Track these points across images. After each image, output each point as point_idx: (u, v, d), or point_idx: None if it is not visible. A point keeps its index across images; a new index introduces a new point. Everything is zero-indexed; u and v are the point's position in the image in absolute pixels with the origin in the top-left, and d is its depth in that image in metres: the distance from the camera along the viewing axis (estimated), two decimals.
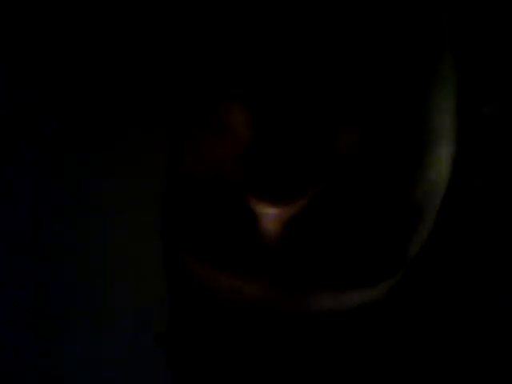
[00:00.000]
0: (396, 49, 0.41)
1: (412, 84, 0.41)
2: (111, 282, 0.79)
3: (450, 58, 0.43)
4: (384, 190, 0.41)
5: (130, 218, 0.80)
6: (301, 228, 0.41)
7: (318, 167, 0.40)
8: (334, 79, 0.40)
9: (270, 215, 0.40)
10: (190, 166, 0.43)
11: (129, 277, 0.78)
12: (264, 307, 0.42)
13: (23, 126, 0.81)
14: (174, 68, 0.47)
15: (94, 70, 0.80)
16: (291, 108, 0.40)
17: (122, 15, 0.78)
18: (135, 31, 0.79)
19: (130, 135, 0.81)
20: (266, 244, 0.41)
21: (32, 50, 0.80)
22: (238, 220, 0.42)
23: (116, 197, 0.80)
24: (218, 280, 0.42)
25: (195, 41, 0.44)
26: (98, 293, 0.79)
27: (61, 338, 0.80)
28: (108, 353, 0.79)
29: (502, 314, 0.46)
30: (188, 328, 0.45)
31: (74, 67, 0.80)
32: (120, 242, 0.79)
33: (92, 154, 0.81)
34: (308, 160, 0.40)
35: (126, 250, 0.79)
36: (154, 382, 0.77)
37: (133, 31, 0.79)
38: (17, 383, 0.80)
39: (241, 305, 0.42)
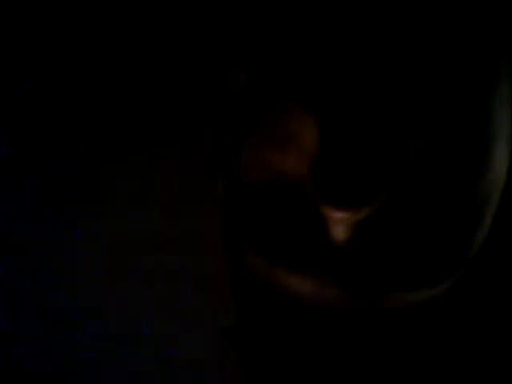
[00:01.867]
0: (457, 53, 0.42)
1: (473, 85, 0.42)
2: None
3: (507, 56, 0.45)
4: (448, 188, 0.43)
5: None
6: (369, 230, 0.42)
7: (387, 173, 0.41)
8: (401, 86, 0.42)
9: (339, 220, 0.41)
10: (252, 172, 0.44)
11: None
12: (330, 306, 0.43)
13: (23, 125, 0.80)
14: (238, 70, 0.47)
15: (94, 69, 0.80)
16: (359, 115, 0.41)
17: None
18: (148, 31, 0.79)
19: (131, 135, 0.81)
20: (335, 246, 0.42)
21: (32, 49, 0.80)
22: (305, 221, 0.43)
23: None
24: (282, 278, 0.43)
25: (264, 47, 0.45)
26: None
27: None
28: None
29: None
30: (254, 325, 0.46)
31: (76, 67, 0.80)
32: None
33: (93, 154, 0.81)
34: (376, 166, 0.41)
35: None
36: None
37: (145, 31, 0.79)
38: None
39: (304, 303, 0.43)
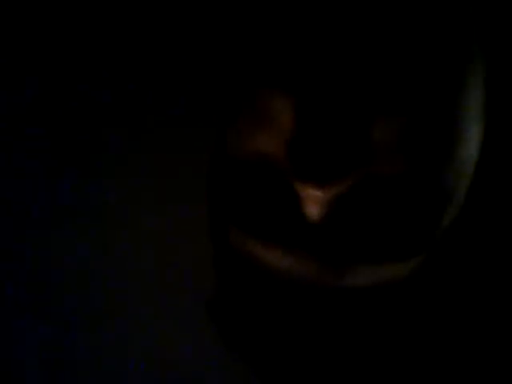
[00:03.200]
0: (427, 38, 0.44)
1: (441, 69, 0.43)
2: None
3: (479, 46, 0.46)
4: (418, 168, 0.44)
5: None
6: (341, 207, 0.43)
7: (358, 152, 0.42)
8: (370, 70, 0.43)
9: (314, 197, 0.42)
10: (234, 148, 0.46)
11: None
12: (304, 279, 0.44)
13: (23, 125, 0.81)
14: (217, 56, 0.49)
15: (94, 69, 0.81)
16: (333, 96, 0.43)
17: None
18: (142, 26, 0.80)
19: (131, 135, 0.82)
20: (308, 223, 0.43)
21: (32, 50, 0.80)
22: (282, 198, 0.44)
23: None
24: (261, 252, 0.45)
25: (241, 30, 0.46)
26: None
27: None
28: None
29: None
30: (234, 298, 0.47)
31: (75, 67, 0.80)
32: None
33: (92, 154, 0.81)
34: (349, 145, 0.43)
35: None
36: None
37: (140, 26, 0.80)
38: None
39: (281, 277, 0.45)
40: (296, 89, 0.44)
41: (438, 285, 0.47)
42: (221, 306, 0.49)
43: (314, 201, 0.43)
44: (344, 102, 0.43)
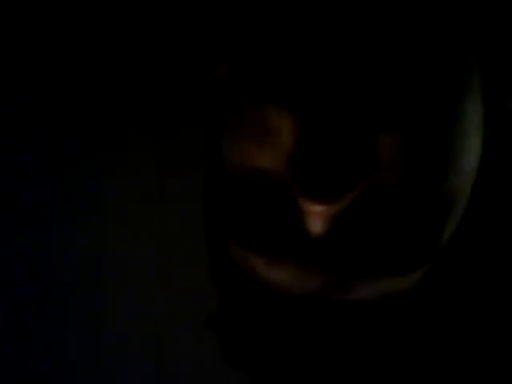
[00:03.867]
0: (427, 52, 0.44)
1: (443, 83, 0.44)
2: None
3: (475, 53, 0.46)
4: (419, 181, 0.44)
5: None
6: (344, 221, 0.43)
7: (361, 166, 0.42)
8: (372, 83, 0.43)
9: (317, 212, 0.41)
10: (232, 164, 0.45)
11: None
12: (307, 293, 0.44)
13: (23, 125, 0.81)
14: (214, 67, 0.49)
15: (95, 69, 0.80)
16: (336, 109, 0.43)
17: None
18: (143, 29, 0.80)
19: (131, 135, 0.82)
20: (311, 237, 0.43)
21: (32, 49, 0.80)
22: (283, 212, 0.44)
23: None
24: (262, 267, 0.45)
25: (245, 42, 0.46)
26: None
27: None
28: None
29: None
30: (236, 313, 0.47)
31: (75, 67, 0.80)
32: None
33: (92, 154, 0.81)
34: (352, 159, 0.42)
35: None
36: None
37: (141, 29, 0.80)
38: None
39: (283, 292, 0.45)
40: (297, 102, 0.43)
41: (443, 296, 0.47)
42: (222, 320, 0.49)
43: (317, 216, 0.42)
44: (347, 115, 0.42)
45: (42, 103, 0.81)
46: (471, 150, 0.45)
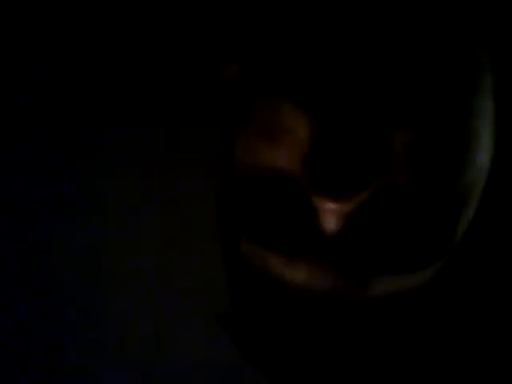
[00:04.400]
0: (440, 46, 0.43)
1: (456, 81, 0.44)
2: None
3: (487, 55, 0.46)
4: (433, 177, 0.44)
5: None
6: (359, 219, 0.43)
7: (375, 164, 0.42)
8: (388, 82, 0.43)
9: (332, 210, 0.42)
10: (247, 162, 0.45)
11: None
12: (322, 291, 0.44)
13: (23, 125, 0.81)
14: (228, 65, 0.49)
15: (96, 70, 0.80)
16: (351, 107, 0.43)
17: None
18: (147, 28, 0.80)
19: (131, 135, 0.81)
20: (326, 235, 0.43)
21: (32, 49, 0.80)
22: (297, 210, 0.44)
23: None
24: (277, 266, 0.45)
25: (257, 40, 0.46)
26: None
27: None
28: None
29: None
30: (248, 310, 0.47)
31: (75, 67, 0.80)
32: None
33: (92, 154, 0.81)
34: (368, 157, 0.43)
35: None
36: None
37: (144, 28, 0.80)
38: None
39: (298, 290, 0.45)
40: (312, 100, 0.43)
41: (457, 291, 0.47)
42: (235, 318, 0.49)
43: (331, 214, 0.43)
44: (362, 113, 0.43)
45: (42, 103, 0.81)
46: (484, 147, 0.46)
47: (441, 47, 0.44)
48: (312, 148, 0.43)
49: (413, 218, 0.44)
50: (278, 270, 0.45)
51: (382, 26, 0.43)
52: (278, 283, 0.45)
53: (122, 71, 0.81)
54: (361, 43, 0.43)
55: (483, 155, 0.46)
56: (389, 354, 0.46)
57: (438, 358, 0.47)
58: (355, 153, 0.42)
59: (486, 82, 0.46)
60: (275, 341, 0.46)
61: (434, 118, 0.43)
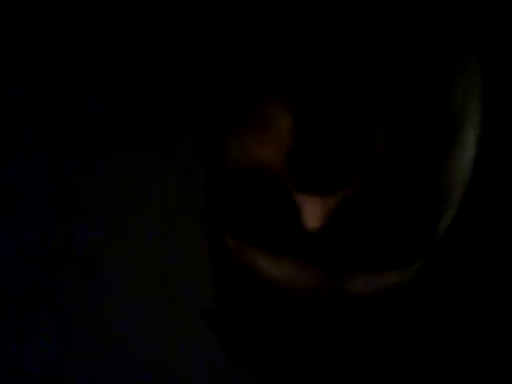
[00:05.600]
0: (425, 47, 0.44)
1: (440, 79, 0.44)
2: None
3: (474, 50, 0.46)
4: (413, 175, 0.44)
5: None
6: (340, 215, 0.43)
7: (357, 160, 0.42)
8: (369, 79, 0.43)
9: (313, 207, 0.42)
10: (232, 157, 0.46)
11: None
12: (305, 288, 0.44)
13: (23, 125, 0.81)
14: (215, 63, 0.49)
15: (95, 70, 0.80)
16: (333, 104, 0.43)
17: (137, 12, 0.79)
18: (143, 27, 0.80)
19: (131, 135, 0.82)
20: (308, 232, 0.43)
21: (32, 48, 0.80)
22: (281, 207, 0.44)
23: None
24: (260, 262, 0.45)
25: (238, 37, 0.46)
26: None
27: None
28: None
29: None
30: (233, 306, 0.47)
31: (76, 68, 0.80)
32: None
33: (92, 155, 0.81)
34: (349, 154, 0.43)
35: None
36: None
37: (140, 27, 0.80)
38: None
39: (281, 287, 0.45)
40: (295, 96, 0.44)
41: (441, 288, 0.47)
42: (220, 315, 0.49)
43: (313, 210, 0.43)
44: (344, 110, 0.43)
45: (42, 102, 0.81)
46: (467, 145, 0.46)
47: (424, 43, 0.44)
48: (294, 143, 0.43)
49: (394, 216, 0.44)
50: (261, 266, 0.45)
51: (365, 25, 0.43)
52: (261, 279, 0.45)
53: (122, 72, 0.81)
54: (344, 41, 0.43)
55: (466, 153, 0.46)
56: (372, 351, 0.46)
57: (421, 355, 0.47)
58: (337, 149, 0.42)
59: (472, 79, 0.46)
60: (259, 337, 0.46)
61: (416, 114, 0.43)
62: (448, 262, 0.47)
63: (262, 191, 0.44)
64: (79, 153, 0.81)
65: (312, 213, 0.43)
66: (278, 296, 0.45)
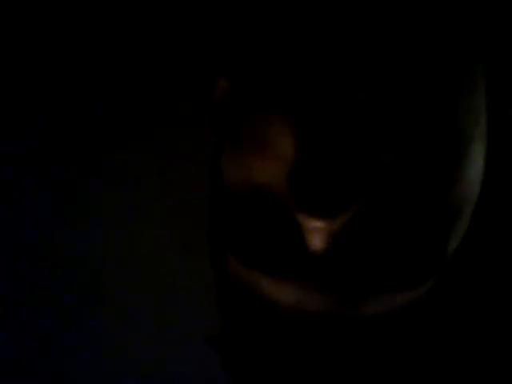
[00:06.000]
0: (430, 60, 0.42)
1: (445, 92, 0.43)
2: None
3: (480, 63, 0.45)
4: (422, 193, 0.43)
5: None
6: (347, 236, 0.42)
7: (361, 182, 0.41)
8: (375, 95, 0.42)
9: (317, 229, 0.41)
10: (233, 178, 0.44)
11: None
12: (311, 311, 0.43)
13: (23, 125, 0.81)
14: (215, 78, 0.48)
15: (96, 72, 0.80)
16: (335, 124, 0.42)
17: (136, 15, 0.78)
18: (141, 31, 0.79)
19: (131, 135, 0.81)
20: (313, 254, 0.42)
21: (33, 49, 0.80)
22: (284, 229, 0.43)
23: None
24: (265, 286, 0.44)
25: (245, 56, 0.45)
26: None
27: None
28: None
29: None
30: (238, 331, 0.46)
31: (76, 69, 0.80)
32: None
33: (92, 156, 0.81)
34: (352, 174, 0.41)
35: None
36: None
37: (139, 31, 0.79)
38: None
39: (287, 310, 0.43)
40: (297, 114, 0.42)
41: (451, 308, 0.46)
42: (225, 339, 0.48)
43: (317, 232, 0.41)
44: (347, 130, 0.41)
45: (42, 103, 0.80)
46: (475, 160, 0.45)
47: (430, 55, 0.42)
48: (296, 164, 0.41)
49: (403, 234, 0.43)
50: (266, 290, 0.44)
51: (365, 38, 0.42)
52: (267, 303, 0.44)
53: (122, 73, 0.81)
54: (347, 57, 0.42)
55: (474, 169, 0.45)
56: (385, 373, 0.44)
57: (435, 374, 0.46)
58: (340, 170, 0.41)
59: (478, 94, 0.45)
60: (266, 362, 0.45)
61: (422, 130, 0.42)
62: (458, 281, 0.47)
63: (264, 212, 0.43)
64: (79, 153, 0.81)
65: (317, 235, 0.41)
66: (285, 320, 0.44)
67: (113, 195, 0.81)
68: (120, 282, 0.81)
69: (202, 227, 0.74)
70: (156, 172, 0.81)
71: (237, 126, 0.45)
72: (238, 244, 0.44)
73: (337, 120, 0.42)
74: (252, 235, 0.44)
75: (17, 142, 0.81)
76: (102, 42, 0.80)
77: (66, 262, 0.81)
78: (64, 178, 0.81)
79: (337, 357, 0.44)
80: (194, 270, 0.79)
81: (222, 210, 0.46)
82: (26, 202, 0.81)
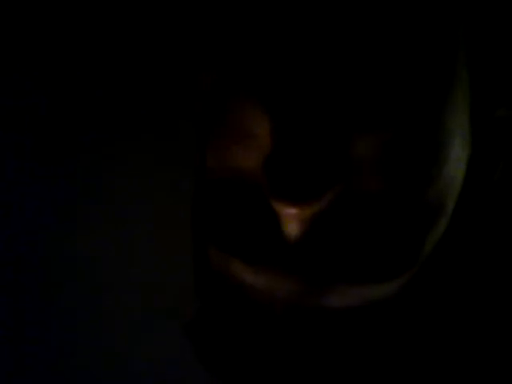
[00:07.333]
0: (411, 53, 0.43)
1: (426, 86, 0.43)
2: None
3: (464, 60, 0.45)
4: (400, 187, 0.43)
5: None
6: (321, 225, 0.42)
7: (336, 169, 0.41)
8: (351, 84, 0.42)
9: (291, 215, 0.41)
10: (212, 165, 0.45)
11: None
12: (286, 299, 0.43)
13: (23, 125, 0.81)
14: (194, 70, 0.48)
15: (95, 72, 0.80)
16: (310, 112, 0.42)
17: (126, 14, 0.79)
18: (136, 30, 0.80)
19: (131, 135, 0.82)
20: (287, 241, 0.42)
21: (33, 49, 0.80)
22: (261, 217, 0.43)
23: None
24: (241, 272, 0.44)
25: (219, 44, 0.46)
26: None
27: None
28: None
29: None
30: (213, 319, 0.46)
31: (76, 69, 0.80)
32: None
33: (92, 154, 0.81)
34: (326, 162, 0.42)
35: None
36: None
37: (134, 30, 0.80)
38: None
39: (262, 297, 0.43)
40: (272, 102, 0.43)
41: (425, 305, 0.46)
42: (201, 327, 0.48)
43: (291, 219, 0.41)
44: (322, 116, 0.42)
45: (42, 103, 0.81)
46: (455, 159, 0.45)
47: (412, 49, 0.42)
48: (272, 153, 0.42)
49: (379, 227, 0.42)
50: (243, 278, 0.43)
51: (345, 29, 0.42)
52: (244, 291, 0.44)
53: (122, 73, 0.81)
54: (324, 47, 0.42)
55: (454, 167, 0.45)
56: (351, 364, 0.44)
57: (402, 369, 0.46)
58: (315, 157, 0.41)
59: (461, 91, 0.45)
60: (239, 350, 0.45)
61: (399, 122, 0.42)
62: (434, 280, 0.46)
63: (242, 201, 0.43)
64: (79, 153, 0.81)
65: (291, 221, 0.41)
66: (260, 308, 0.44)
67: (113, 195, 0.82)
68: (120, 281, 0.81)
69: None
70: (156, 172, 0.82)
71: (220, 119, 0.45)
72: (217, 232, 0.44)
73: (312, 109, 0.42)
74: (230, 223, 0.44)
75: (17, 142, 0.81)
76: (102, 42, 0.80)
77: (66, 261, 0.81)
78: (64, 178, 0.81)
79: (309, 347, 0.44)
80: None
81: (203, 199, 0.46)
82: (25, 202, 0.81)
